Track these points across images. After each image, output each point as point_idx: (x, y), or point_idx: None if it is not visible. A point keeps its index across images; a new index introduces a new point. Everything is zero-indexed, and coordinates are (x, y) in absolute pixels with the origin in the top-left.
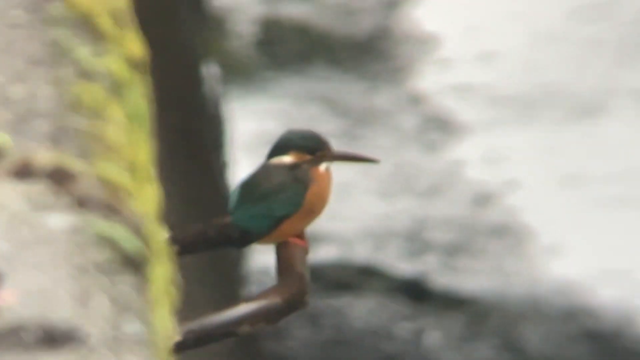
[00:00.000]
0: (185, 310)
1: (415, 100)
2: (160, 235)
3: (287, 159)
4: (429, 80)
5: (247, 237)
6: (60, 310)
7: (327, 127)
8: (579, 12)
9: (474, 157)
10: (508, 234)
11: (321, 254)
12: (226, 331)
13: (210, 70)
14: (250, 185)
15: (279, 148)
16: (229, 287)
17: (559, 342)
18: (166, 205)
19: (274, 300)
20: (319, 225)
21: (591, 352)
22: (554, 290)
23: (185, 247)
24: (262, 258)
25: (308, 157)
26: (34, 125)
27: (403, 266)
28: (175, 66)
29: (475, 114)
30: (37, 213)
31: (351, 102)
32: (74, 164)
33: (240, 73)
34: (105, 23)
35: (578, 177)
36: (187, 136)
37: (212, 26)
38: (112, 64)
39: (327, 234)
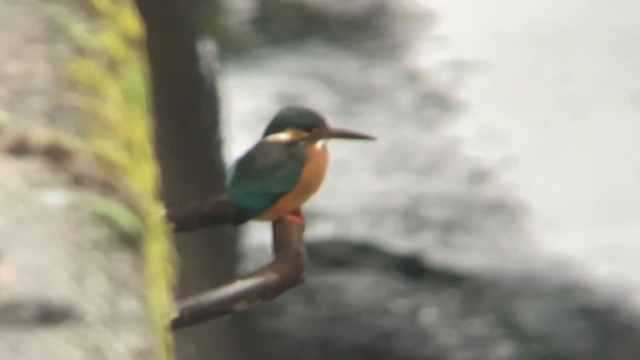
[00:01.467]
0: (182, 287)
1: (412, 77)
2: (157, 212)
3: (283, 136)
4: (426, 57)
5: (244, 214)
6: (57, 288)
7: (323, 104)
8: None
9: (470, 134)
10: (504, 211)
11: (317, 231)
12: (222, 308)
13: (206, 48)
14: (246, 162)
15: (276, 125)
16: (225, 264)
17: (555, 318)
18: (162, 183)
19: (271, 277)
20: (315, 202)
21: (586, 328)
22: (550, 267)
23: (181, 224)
24: (258, 235)
25: (304, 134)
26: (30, 102)
27: (399, 243)
28: (171, 43)
29: (472, 91)
30: (34, 190)
31: (347, 79)
32: (71, 141)
33: (236, 50)
34: (101, 0)
35: (575, 152)
36: (184, 113)
37: (208, 3)
38: (108, 41)
39: (323, 211)
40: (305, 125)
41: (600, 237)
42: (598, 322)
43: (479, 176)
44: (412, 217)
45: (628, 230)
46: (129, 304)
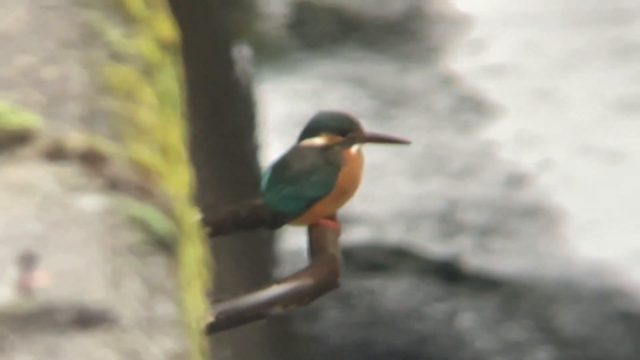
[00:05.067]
0: (217, 291)
1: (448, 80)
2: (192, 216)
3: (318, 140)
4: (462, 60)
5: (279, 219)
6: (93, 292)
7: (359, 108)
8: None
9: (507, 138)
10: (541, 215)
11: (353, 235)
12: (258, 312)
13: (241, 52)
14: (281, 166)
15: (311, 129)
16: (261, 269)
17: (593, 323)
18: (198, 187)
19: (306, 281)
20: (351, 206)
21: (626, 333)
22: (588, 271)
23: (217, 228)
24: (294, 239)
25: (340, 138)
26: (66, 107)
27: (436, 247)
28: (206, 48)
29: (508, 94)
30: (69, 195)
31: (383, 83)
32: (106, 145)
33: (271, 54)
34: (136, 5)
35: (613, 156)
36: (219, 118)
37: (243, 7)
38: (143, 45)
39: (359, 216)
40: (340, 129)
41: (638, 241)
42: (637, 327)
43: (515, 180)
44: (448, 222)
45: None
46: (164, 308)
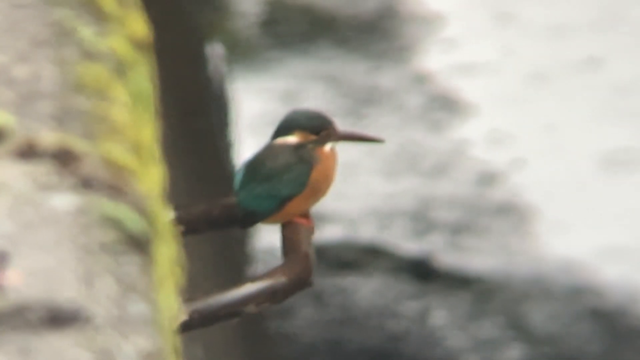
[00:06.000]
0: (191, 290)
1: (420, 79)
2: (165, 215)
3: (291, 139)
4: (434, 59)
5: (252, 217)
6: (65, 291)
7: (331, 106)
8: None
9: (479, 136)
10: (513, 213)
11: (326, 233)
12: (231, 311)
13: (214, 50)
14: (255, 165)
15: (284, 128)
16: (234, 267)
17: (564, 321)
18: (171, 186)
19: (280, 279)
20: (324, 204)
21: (596, 330)
22: (559, 269)
23: (190, 227)
24: (267, 238)
25: (313, 137)
26: (38, 105)
27: (408, 245)
28: (179, 46)
29: (480, 93)
30: (42, 193)
31: (356, 81)
32: (78, 144)
33: (244, 53)
34: (108, 3)
35: (583, 155)
36: (192, 116)
37: (216, 6)
38: (115, 44)
39: (332, 214)
40: (314, 127)
41: (609, 239)
42: (608, 324)
43: (487, 178)
44: (420, 220)
45: (638, 232)
46: (137, 307)
